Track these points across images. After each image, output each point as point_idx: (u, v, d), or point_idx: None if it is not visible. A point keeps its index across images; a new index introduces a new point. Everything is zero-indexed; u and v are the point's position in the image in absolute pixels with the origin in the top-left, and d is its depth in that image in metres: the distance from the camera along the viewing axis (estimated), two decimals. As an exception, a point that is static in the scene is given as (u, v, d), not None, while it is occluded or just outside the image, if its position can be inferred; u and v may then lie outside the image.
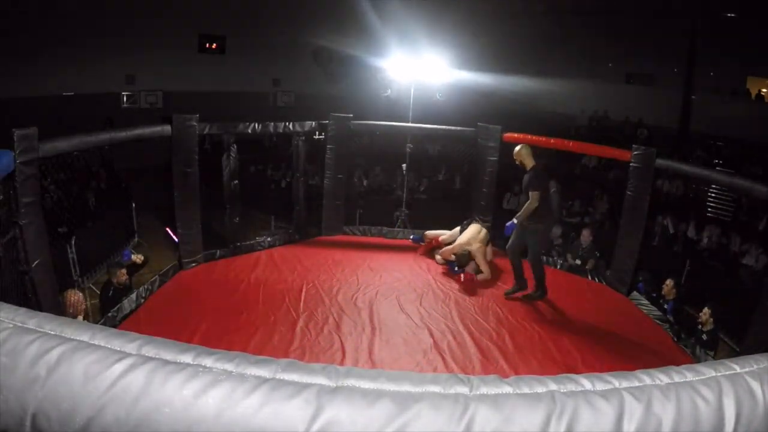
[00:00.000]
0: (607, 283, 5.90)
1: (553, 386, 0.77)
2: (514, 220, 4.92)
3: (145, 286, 4.94)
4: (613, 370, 0.82)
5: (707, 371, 0.82)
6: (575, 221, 8.11)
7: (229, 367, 0.76)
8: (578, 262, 6.32)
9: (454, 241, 5.95)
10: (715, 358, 4.56)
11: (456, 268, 5.68)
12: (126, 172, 9.26)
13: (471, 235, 5.81)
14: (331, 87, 14.24)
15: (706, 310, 4.67)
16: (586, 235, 6.47)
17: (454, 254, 5.68)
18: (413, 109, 7.47)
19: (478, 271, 5.67)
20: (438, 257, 6.07)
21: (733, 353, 5.01)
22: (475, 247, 5.66)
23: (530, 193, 4.84)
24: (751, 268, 6.65)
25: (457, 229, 6.14)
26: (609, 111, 14.49)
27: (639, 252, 5.60)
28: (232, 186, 5.91)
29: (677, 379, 0.80)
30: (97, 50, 11.11)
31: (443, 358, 4.17)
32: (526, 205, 4.87)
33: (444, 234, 6.27)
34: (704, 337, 4.65)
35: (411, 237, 6.67)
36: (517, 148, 5.05)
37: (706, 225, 7.83)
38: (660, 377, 0.80)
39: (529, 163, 4.96)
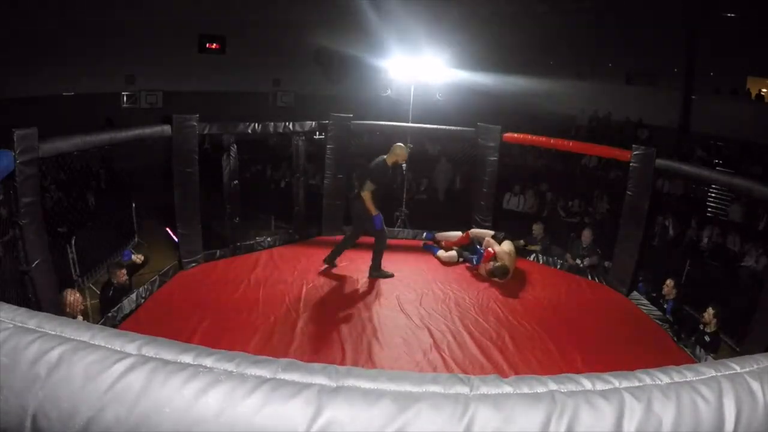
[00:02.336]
0: (607, 283, 5.90)
1: (553, 386, 0.77)
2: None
3: (145, 286, 4.94)
4: (613, 370, 0.82)
5: (707, 371, 0.82)
6: (575, 221, 8.11)
7: (229, 367, 0.76)
8: (578, 262, 6.32)
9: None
10: (715, 359, 4.53)
11: (474, 261, 5.92)
12: (126, 172, 9.24)
13: (508, 251, 5.85)
14: (331, 87, 14.21)
15: (710, 310, 4.57)
16: (586, 235, 6.47)
17: (495, 266, 5.68)
18: (413, 109, 7.47)
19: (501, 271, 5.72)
20: (443, 253, 6.26)
21: (733, 353, 5.01)
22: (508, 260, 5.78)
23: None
24: (752, 268, 6.65)
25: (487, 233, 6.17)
26: (609, 111, 14.49)
27: (639, 252, 5.60)
28: (232, 186, 5.91)
29: (677, 379, 0.80)
30: (97, 50, 11.11)
31: (443, 358, 4.17)
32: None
33: (454, 235, 6.41)
34: (707, 338, 4.57)
35: (424, 237, 6.72)
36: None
37: (707, 225, 7.83)
38: (660, 377, 0.80)
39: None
